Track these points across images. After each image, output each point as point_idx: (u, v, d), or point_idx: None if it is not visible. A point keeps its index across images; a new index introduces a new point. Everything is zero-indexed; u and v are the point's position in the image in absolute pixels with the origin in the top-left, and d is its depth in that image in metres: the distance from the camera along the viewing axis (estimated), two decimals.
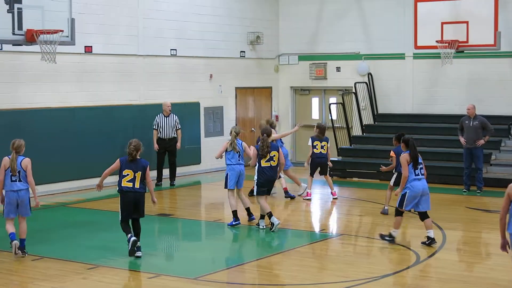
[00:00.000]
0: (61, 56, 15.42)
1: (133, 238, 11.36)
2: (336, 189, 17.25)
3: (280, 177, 16.28)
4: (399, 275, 10.64)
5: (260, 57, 23.19)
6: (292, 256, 11.74)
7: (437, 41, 18.75)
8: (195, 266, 11.25)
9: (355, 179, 20.24)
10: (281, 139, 16.83)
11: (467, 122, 17.52)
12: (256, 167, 13.49)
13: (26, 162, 11.60)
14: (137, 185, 11.37)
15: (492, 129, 17.57)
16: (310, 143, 16.76)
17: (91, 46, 18.05)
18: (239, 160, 13.84)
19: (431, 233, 12.24)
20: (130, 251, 11.38)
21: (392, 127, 20.62)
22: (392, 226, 12.48)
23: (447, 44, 18.62)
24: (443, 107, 21.14)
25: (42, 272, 10.69)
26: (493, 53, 19.66)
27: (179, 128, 18.82)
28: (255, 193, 13.71)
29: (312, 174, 16.82)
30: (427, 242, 12.21)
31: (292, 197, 16.83)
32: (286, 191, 16.91)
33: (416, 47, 19.58)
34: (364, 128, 21.72)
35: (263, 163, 13.35)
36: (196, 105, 20.93)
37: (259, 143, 13.59)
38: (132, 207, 11.42)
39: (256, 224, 13.65)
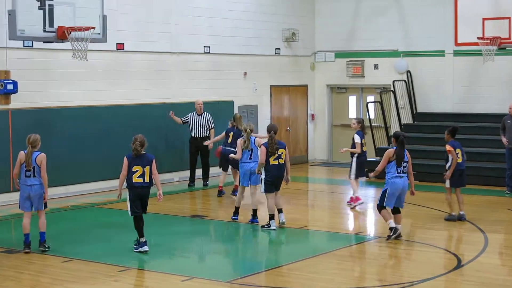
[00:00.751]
0: (93, 53, 15.42)
1: (146, 248, 11.65)
2: (373, 190, 16.85)
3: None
4: (439, 279, 10.39)
5: (296, 55, 23.00)
6: (329, 259, 11.56)
7: (478, 38, 18.66)
8: (228, 269, 11.26)
9: None
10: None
11: (509, 121, 17.18)
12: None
13: (41, 157, 11.72)
14: (147, 180, 11.67)
15: None
16: (358, 140, 15.60)
17: (123, 44, 17.91)
18: (250, 157, 14.06)
19: (392, 224, 12.45)
20: (135, 249, 11.70)
21: (432, 126, 20.50)
22: (385, 220, 12.61)
23: (488, 41, 18.56)
24: (484, 106, 20.81)
25: (72, 274, 10.60)
26: None
27: (212, 128, 18.50)
28: (262, 190, 13.57)
29: (359, 177, 15.84)
30: (391, 234, 12.43)
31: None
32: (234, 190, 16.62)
33: (457, 44, 19.57)
34: (403, 127, 21.39)
35: (271, 161, 13.35)
36: (230, 103, 20.73)
37: (268, 140, 13.39)
38: (139, 201, 11.71)
39: (266, 225, 13.52)
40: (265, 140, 13.71)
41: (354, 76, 22.91)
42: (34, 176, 11.63)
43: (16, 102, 15.92)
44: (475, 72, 20.88)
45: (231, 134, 16.48)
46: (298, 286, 10.20)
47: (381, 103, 21.31)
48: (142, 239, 11.69)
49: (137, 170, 11.62)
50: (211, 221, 14.79)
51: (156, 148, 18.41)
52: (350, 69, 22.91)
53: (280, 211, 13.65)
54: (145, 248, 11.66)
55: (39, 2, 13.75)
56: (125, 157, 11.76)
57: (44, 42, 14.71)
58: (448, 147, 14.02)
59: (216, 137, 17.64)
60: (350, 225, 14.85)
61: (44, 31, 13.79)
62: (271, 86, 22.19)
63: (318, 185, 19.95)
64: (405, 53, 22.01)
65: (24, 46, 15.92)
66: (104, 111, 17.59)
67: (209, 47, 20.08)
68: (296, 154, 22.92)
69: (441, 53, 21.39)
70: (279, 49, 22.37)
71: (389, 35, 22.20)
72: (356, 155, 15.59)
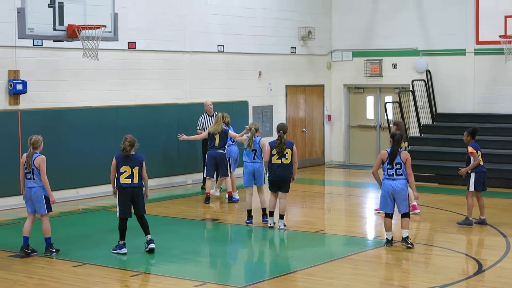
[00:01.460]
0: (104, 52, 15.40)
1: (125, 250, 11.67)
2: None
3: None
4: (459, 285, 10.22)
5: (312, 53, 22.77)
6: (345, 264, 11.42)
7: (500, 36, 18.66)
8: (243, 274, 11.20)
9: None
10: (231, 139, 16.49)
11: None
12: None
13: (39, 160, 11.57)
14: (135, 181, 11.62)
15: None
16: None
17: (135, 42, 17.72)
18: (254, 158, 14.01)
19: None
20: (114, 250, 11.71)
21: (452, 127, 20.25)
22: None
23: (511, 39, 18.54)
24: (506, 106, 20.54)
25: (84, 279, 10.50)
26: None
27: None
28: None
29: None
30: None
31: (236, 201, 16.34)
32: (230, 196, 16.46)
33: (478, 42, 19.63)
34: (422, 128, 21.19)
35: (274, 160, 13.36)
36: (244, 104, 20.51)
37: (277, 140, 13.37)
38: (129, 203, 11.68)
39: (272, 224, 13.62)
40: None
41: (372, 75, 22.67)
42: (33, 178, 11.50)
43: (26, 102, 15.76)
44: (497, 72, 20.61)
45: (217, 136, 16.14)
46: None
47: (399, 103, 21.04)
48: (121, 242, 11.72)
49: (125, 171, 11.58)
50: (226, 224, 14.65)
51: (169, 151, 18.26)
52: (368, 69, 22.67)
53: (281, 217, 13.61)
54: (124, 250, 11.67)
55: (49, 0, 13.61)
56: (114, 157, 11.73)
57: (54, 41, 14.55)
58: (470, 149, 13.60)
59: (193, 136, 17.19)
60: (368, 229, 14.64)
61: (54, 29, 13.69)
62: (287, 86, 21.98)
63: (335, 187, 19.80)
64: (424, 52, 21.76)
65: (33, 45, 15.76)
66: (115, 112, 17.38)
67: (223, 46, 19.84)
68: (312, 156, 22.74)
69: (461, 52, 21.13)
70: (295, 48, 22.13)
71: (408, 33, 22.00)
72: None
